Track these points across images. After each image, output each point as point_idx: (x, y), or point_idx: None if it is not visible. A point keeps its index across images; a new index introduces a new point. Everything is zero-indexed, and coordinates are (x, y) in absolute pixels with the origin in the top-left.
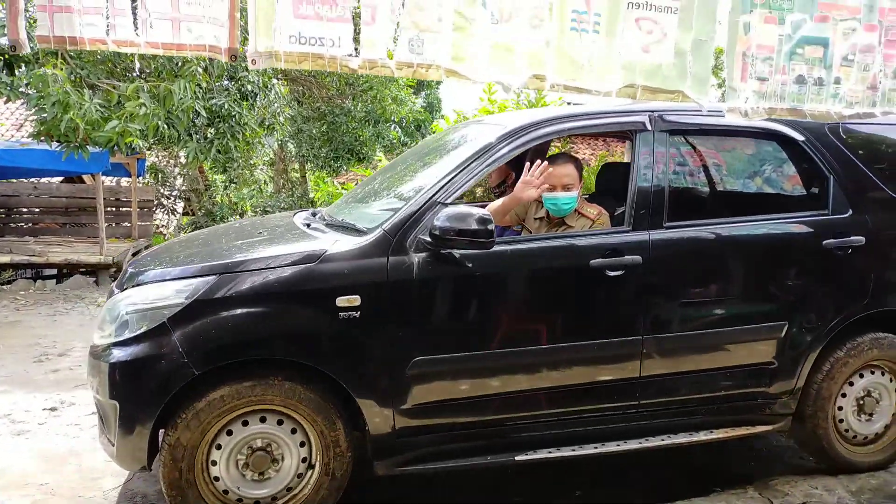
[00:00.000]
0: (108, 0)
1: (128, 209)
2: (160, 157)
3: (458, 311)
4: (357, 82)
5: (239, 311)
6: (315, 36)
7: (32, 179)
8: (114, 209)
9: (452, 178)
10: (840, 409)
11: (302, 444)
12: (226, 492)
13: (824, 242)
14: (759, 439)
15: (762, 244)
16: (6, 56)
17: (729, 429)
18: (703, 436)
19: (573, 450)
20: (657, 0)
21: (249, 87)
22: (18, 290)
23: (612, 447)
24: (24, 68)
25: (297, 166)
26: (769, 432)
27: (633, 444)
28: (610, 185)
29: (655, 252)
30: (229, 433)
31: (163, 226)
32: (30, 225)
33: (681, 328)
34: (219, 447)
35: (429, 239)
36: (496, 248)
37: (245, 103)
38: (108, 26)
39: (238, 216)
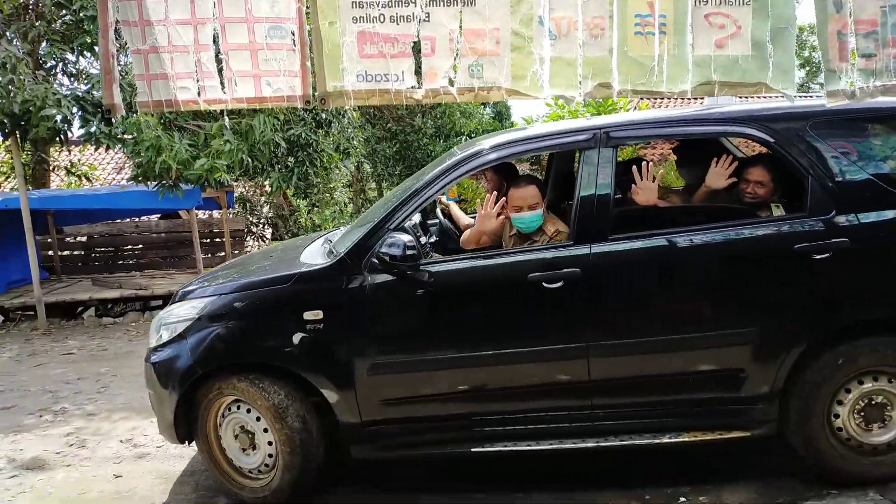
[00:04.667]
0: (197, 64)
1: (221, 239)
2: (247, 188)
3: (405, 321)
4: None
5: (228, 324)
6: (380, 73)
7: (134, 219)
8: (208, 240)
9: (400, 205)
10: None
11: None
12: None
13: (795, 247)
14: None
15: (719, 251)
16: (103, 108)
17: (699, 432)
18: (667, 438)
19: (528, 445)
20: None
21: (324, 116)
22: (129, 321)
23: (568, 444)
24: (119, 117)
25: (373, 185)
26: (747, 438)
27: (590, 443)
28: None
29: (596, 264)
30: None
31: None
32: (135, 260)
33: (628, 335)
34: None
35: (376, 261)
36: (442, 266)
37: (321, 131)
38: (199, 88)
39: None
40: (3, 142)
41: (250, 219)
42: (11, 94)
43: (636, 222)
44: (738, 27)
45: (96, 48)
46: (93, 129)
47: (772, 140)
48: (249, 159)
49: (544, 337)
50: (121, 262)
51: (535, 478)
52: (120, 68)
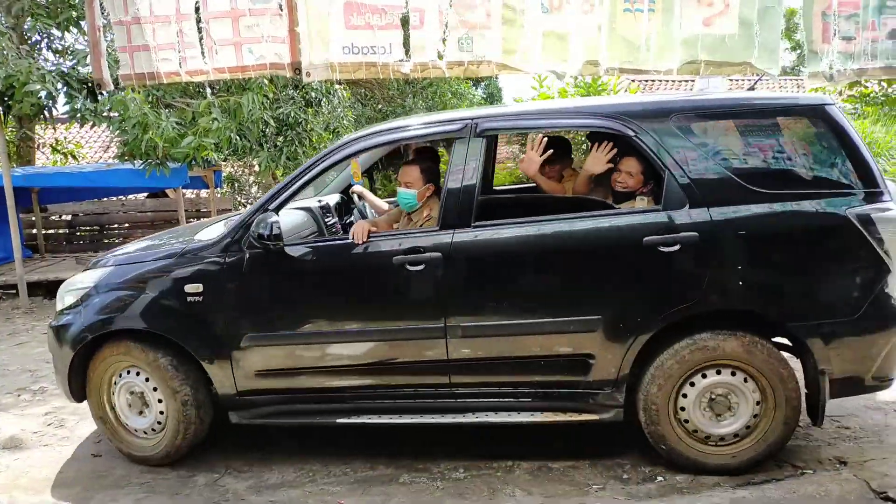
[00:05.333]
0: (178, 34)
1: (208, 219)
2: (235, 168)
3: (276, 298)
4: (416, 80)
5: (114, 294)
6: (367, 45)
7: (121, 197)
8: (196, 220)
9: (282, 188)
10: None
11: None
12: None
13: (645, 239)
14: (852, 417)
15: (573, 241)
16: (89, 85)
17: (551, 413)
18: (523, 417)
19: (391, 418)
20: None
21: (313, 94)
22: None
23: (428, 419)
24: (105, 94)
25: None
26: (596, 421)
27: (448, 419)
28: None
29: (457, 249)
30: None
31: None
32: (121, 240)
33: (485, 318)
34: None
35: (252, 239)
36: (310, 245)
37: (310, 110)
38: (180, 59)
39: None
40: None
41: (238, 199)
42: None
43: (500, 211)
44: (727, 5)
45: (82, 23)
46: (78, 106)
47: (632, 134)
48: (238, 138)
49: (407, 316)
50: (106, 240)
51: (515, 455)
52: (107, 43)
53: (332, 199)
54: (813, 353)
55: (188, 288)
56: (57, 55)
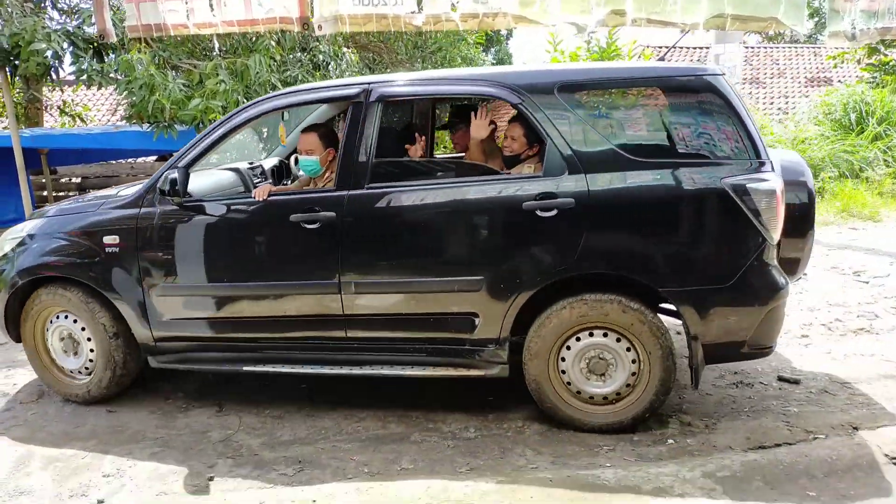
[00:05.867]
0: None
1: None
2: None
3: (182, 250)
4: (425, 44)
5: (44, 243)
6: None
7: (129, 160)
8: None
9: (190, 146)
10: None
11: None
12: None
13: (524, 204)
14: (865, 384)
15: (458, 204)
16: (95, 45)
17: (441, 368)
18: (411, 370)
19: (293, 368)
20: None
21: (321, 58)
22: None
23: (326, 370)
24: (112, 55)
25: None
26: (483, 377)
27: (345, 370)
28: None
29: (350, 209)
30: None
31: None
32: None
33: (376, 275)
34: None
35: (160, 194)
36: (215, 202)
37: (318, 73)
38: (187, 10)
39: None
40: None
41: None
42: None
43: (395, 174)
44: None
45: None
46: (84, 66)
47: (517, 102)
48: (245, 101)
49: (304, 272)
50: None
51: (526, 416)
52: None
53: (269, 162)
54: (685, 317)
55: (106, 239)
56: (62, 14)
